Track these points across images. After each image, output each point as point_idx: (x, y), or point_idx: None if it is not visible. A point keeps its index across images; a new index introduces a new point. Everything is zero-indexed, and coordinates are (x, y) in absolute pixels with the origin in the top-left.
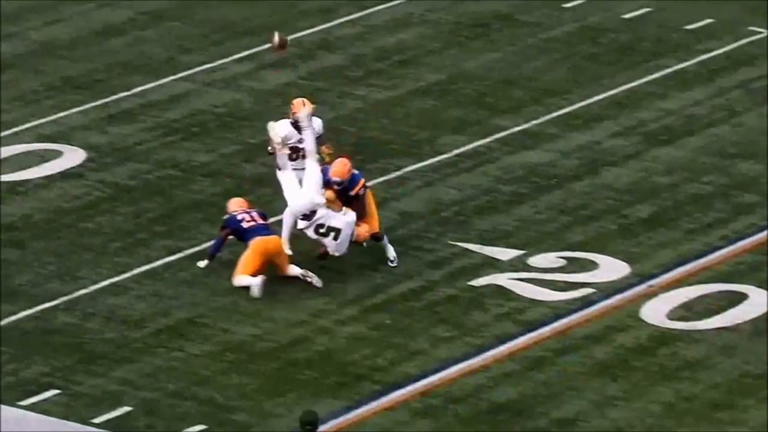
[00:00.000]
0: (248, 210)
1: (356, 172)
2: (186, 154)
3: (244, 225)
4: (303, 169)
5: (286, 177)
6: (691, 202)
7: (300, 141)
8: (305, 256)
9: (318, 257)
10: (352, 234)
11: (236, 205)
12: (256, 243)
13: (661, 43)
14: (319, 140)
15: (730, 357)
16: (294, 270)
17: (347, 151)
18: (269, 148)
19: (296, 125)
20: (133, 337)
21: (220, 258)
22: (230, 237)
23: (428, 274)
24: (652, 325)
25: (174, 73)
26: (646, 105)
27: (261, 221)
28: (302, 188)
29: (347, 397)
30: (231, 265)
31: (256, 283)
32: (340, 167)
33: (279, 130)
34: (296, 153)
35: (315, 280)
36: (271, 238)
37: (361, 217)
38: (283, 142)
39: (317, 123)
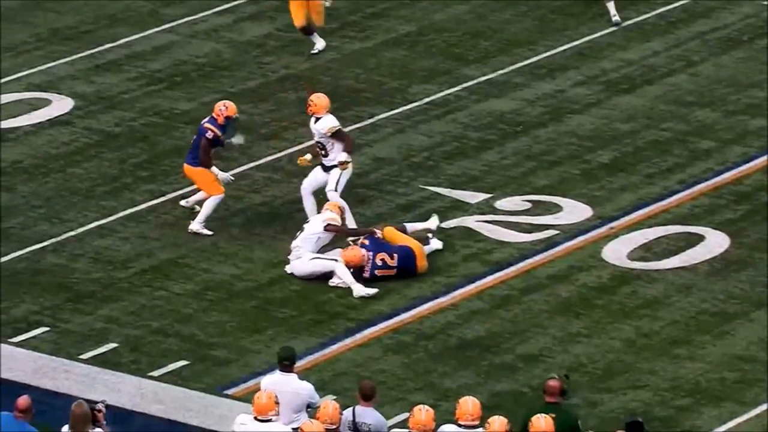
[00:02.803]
0: None
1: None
2: (169, 102)
3: None
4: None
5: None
6: (650, 147)
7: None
8: None
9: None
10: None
11: None
12: None
13: None
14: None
15: (687, 295)
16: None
17: None
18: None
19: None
20: (118, 277)
21: (200, 203)
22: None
23: (400, 216)
24: (613, 264)
25: (157, 25)
26: (607, 55)
27: None
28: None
29: (322, 334)
30: (213, 210)
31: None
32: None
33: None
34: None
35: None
36: None
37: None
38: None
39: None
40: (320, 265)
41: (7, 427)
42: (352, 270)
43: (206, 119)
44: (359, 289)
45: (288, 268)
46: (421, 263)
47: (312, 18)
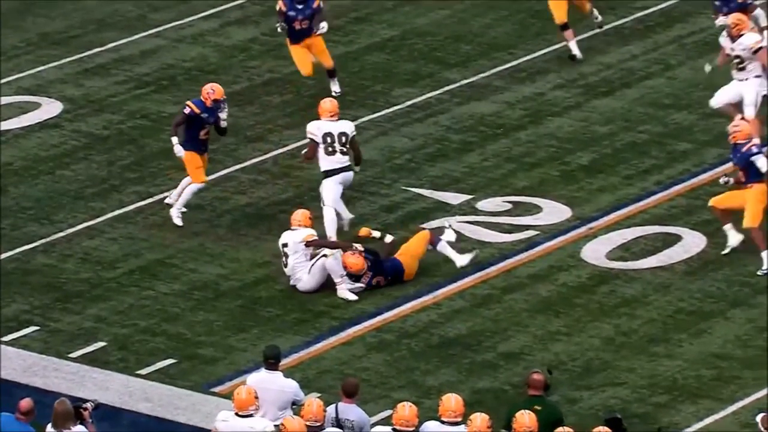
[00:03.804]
0: None
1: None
2: (156, 105)
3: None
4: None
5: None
6: (629, 149)
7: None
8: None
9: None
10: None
11: None
12: None
13: (602, 2)
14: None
15: (665, 294)
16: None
17: (307, 102)
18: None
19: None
20: (106, 277)
21: (189, 204)
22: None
23: (383, 217)
24: (592, 264)
25: (145, 30)
26: (586, 59)
27: None
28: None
29: (307, 333)
30: (199, 210)
31: None
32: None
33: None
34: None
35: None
36: None
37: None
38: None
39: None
40: (320, 268)
41: (8, 427)
42: (346, 272)
43: (193, 99)
44: (344, 291)
45: (298, 288)
46: (409, 276)
47: (320, 61)
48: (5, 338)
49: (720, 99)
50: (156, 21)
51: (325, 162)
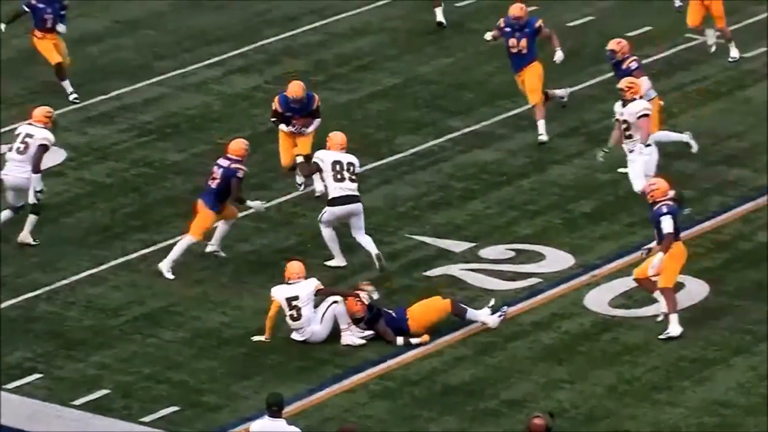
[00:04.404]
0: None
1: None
2: (159, 153)
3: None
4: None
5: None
6: (631, 197)
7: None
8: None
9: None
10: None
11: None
12: None
13: (603, 50)
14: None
15: (667, 342)
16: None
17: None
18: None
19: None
20: (110, 324)
21: (190, 251)
22: None
23: (386, 265)
24: (595, 312)
25: (148, 78)
26: (588, 107)
27: None
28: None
29: (310, 380)
30: (202, 258)
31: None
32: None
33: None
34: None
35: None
36: None
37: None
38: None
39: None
40: (331, 316)
41: None
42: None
43: (224, 160)
44: (350, 337)
45: (308, 340)
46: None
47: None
48: (8, 386)
49: (639, 183)
50: (159, 69)
51: (333, 189)
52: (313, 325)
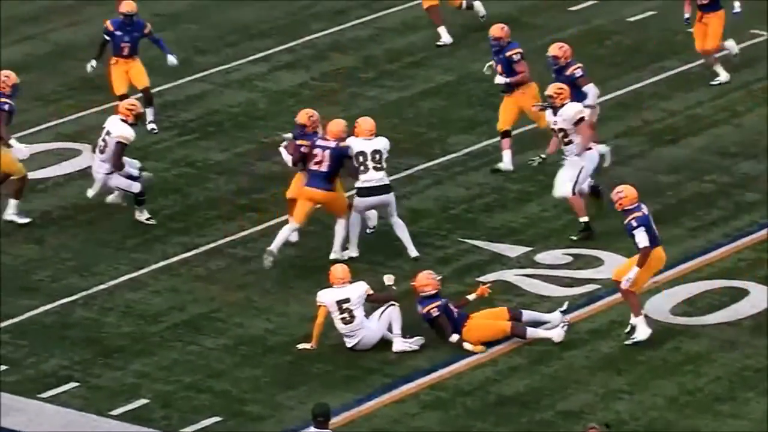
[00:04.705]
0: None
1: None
2: (201, 152)
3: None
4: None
5: None
6: (694, 200)
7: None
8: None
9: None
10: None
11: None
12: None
13: (665, 46)
14: None
15: (731, 351)
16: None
17: None
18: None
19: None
20: (149, 331)
21: (235, 254)
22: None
23: (438, 270)
24: (656, 320)
25: (190, 74)
26: (650, 105)
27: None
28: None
29: (358, 390)
30: (246, 262)
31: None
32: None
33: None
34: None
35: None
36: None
37: None
38: None
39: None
40: (386, 320)
41: None
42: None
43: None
44: (401, 343)
45: (359, 344)
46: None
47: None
48: (44, 395)
49: (564, 189)
50: (201, 65)
51: (359, 180)
52: (366, 327)
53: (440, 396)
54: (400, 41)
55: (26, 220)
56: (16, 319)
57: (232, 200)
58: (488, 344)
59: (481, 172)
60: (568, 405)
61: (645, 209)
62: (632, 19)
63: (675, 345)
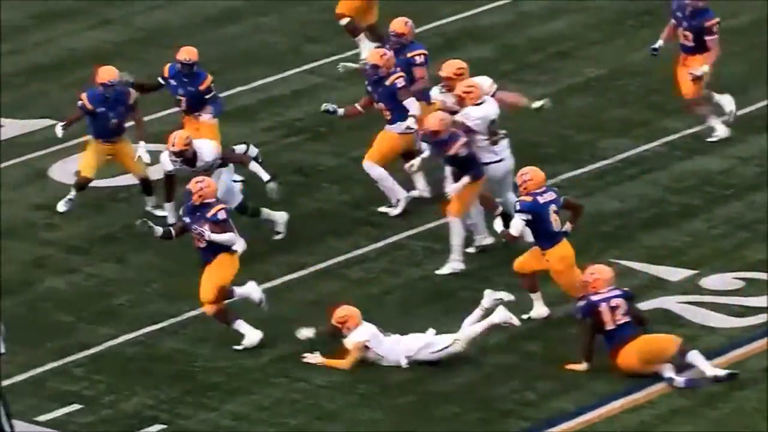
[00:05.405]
0: None
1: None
2: (311, 156)
3: None
4: None
5: None
6: None
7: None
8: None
9: None
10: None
11: None
12: None
13: None
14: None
15: None
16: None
17: None
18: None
19: None
20: (249, 365)
21: (349, 276)
22: None
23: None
24: None
25: (298, 66)
26: None
27: None
28: None
29: None
30: (363, 284)
31: None
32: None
33: None
34: None
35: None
36: None
37: None
38: None
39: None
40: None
41: None
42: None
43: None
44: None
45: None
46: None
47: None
48: None
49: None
50: (311, 55)
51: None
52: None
53: None
54: (544, 29)
55: (162, 213)
56: (92, 350)
57: (347, 213)
58: (645, 381)
59: (638, 182)
60: None
61: (553, 196)
62: None
63: None
